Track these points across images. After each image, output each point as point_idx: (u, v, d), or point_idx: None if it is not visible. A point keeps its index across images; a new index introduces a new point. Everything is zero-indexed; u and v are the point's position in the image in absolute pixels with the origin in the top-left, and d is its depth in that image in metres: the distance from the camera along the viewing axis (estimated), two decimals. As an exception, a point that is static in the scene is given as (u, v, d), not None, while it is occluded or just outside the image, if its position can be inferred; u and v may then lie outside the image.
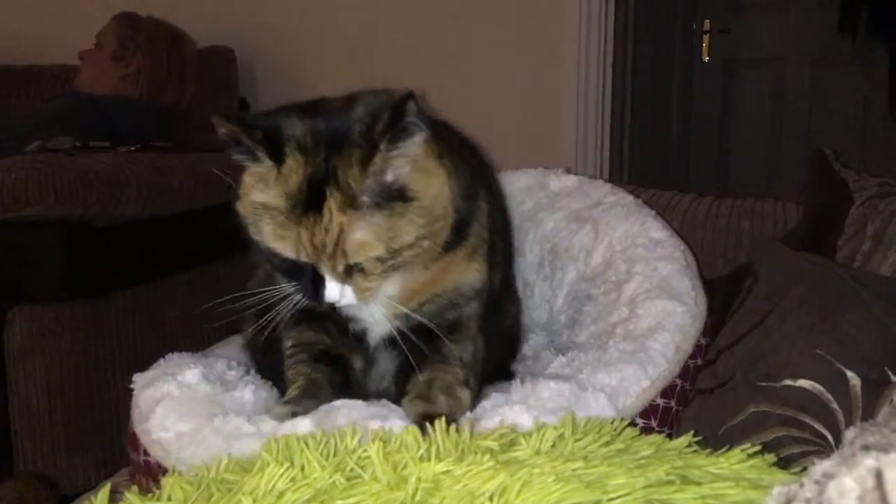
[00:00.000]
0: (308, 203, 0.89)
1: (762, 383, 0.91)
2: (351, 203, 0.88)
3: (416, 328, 1.02)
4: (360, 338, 1.07)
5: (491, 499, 0.64)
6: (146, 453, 0.94)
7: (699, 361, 1.06)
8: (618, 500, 0.61)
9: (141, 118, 2.69)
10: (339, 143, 0.89)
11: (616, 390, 0.93)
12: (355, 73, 2.82)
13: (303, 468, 0.68)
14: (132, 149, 2.49)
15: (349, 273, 0.92)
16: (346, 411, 0.90)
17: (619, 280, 1.14)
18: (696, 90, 4.57)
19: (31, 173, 2.03)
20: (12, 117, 2.71)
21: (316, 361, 1.06)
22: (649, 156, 3.84)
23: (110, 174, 2.21)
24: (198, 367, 1.01)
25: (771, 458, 0.68)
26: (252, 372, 1.11)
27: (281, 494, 0.64)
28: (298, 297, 0.96)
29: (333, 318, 1.06)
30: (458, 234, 1.00)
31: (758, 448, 0.68)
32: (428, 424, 0.75)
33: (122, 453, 2.23)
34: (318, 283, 0.92)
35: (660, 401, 0.97)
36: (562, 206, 1.32)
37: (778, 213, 1.55)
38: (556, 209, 1.32)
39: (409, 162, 0.91)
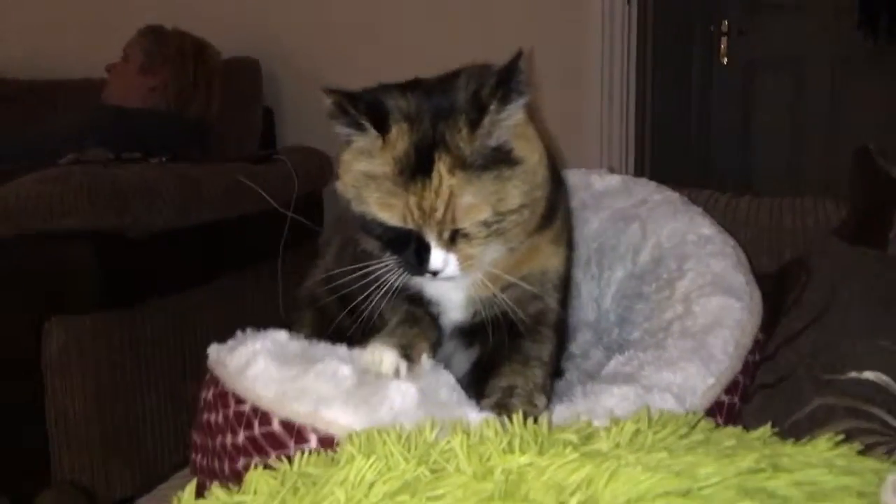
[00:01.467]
0: (416, 167, 0.90)
1: (827, 376, 0.91)
2: (460, 165, 0.89)
3: (496, 320, 1.02)
4: (434, 321, 1.07)
5: (578, 490, 0.64)
6: (238, 401, 0.93)
7: (757, 357, 1.05)
8: (709, 489, 0.61)
9: (170, 130, 2.71)
10: (445, 109, 0.91)
11: (682, 389, 0.93)
12: (380, 80, 2.84)
13: (387, 460, 0.68)
14: (163, 160, 2.51)
15: (453, 240, 0.93)
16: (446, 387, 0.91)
17: (672, 277, 1.14)
18: (716, 92, 4.57)
19: (68, 185, 2.05)
20: (45, 131, 2.74)
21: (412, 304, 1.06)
22: (670, 157, 3.83)
23: (143, 185, 2.23)
24: (283, 332, 1.02)
25: (857, 446, 0.68)
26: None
27: (371, 486, 0.64)
28: (399, 271, 0.96)
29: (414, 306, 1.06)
30: (547, 215, 1.01)
31: (842, 437, 0.68)
32: (506, 418, 0.75)
33: (158, 461, 2.25)
34: (422, 252, 0.93)
35: (724, 398, 0.97)
36: (607, 206, 1.32)
37: (819, 211, 1.54)
38: (602, 208, 1.32)
39: (514, 125, 0.93)
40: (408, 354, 0.97)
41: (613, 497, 0.62)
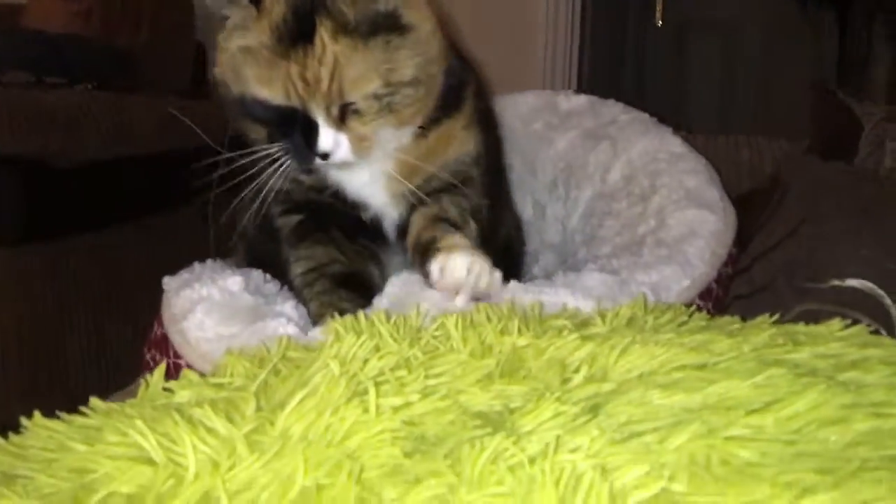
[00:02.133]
0: (296, 34, 0.82)
1: (808, 284, 0.90)
2: (344, 30, 0.82)
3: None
4: (375, 232, 1.01)
5: (582, 366, 0.60)
6: (176, 356, 0.87)
7: (730, 270, 1.04)
8: (726, 362, 0.58)
9: (95, 56, 2.54)
10: None
11: (657, 287, 0.90)
12: None
13: (378, 340, 0.63)
14: (89, 87, 2.35)
15: (343, 118, 0.85)
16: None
17: (644, 194, 1.12)
18: (650, 54, 4.59)
19: (-17, 106, 1.90)
20: (-43, 53, 2.54)
21: (337, 287, 0.99)
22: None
23: (70, 110, 2.08)
24: (238, 276, 0.94)
25: (870, 326, 0.66)
26: (286, 288, 1.03)
27: (365, 362, 0.59)
28: (288, 159, 0.88)
29: (340, 217, 0.99)
30: (453, 99, 0.95)
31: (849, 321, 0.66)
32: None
33: (82, 400, 2.14)
34: (309, 134, 0.85)
35: (699, 302, 0.95)
36: (574, 126, 1.28)
37: (775, 148, 1.55)
38: (569, 128, 1.28)
39: None
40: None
41: (625, 371, 0.59)
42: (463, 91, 0.97)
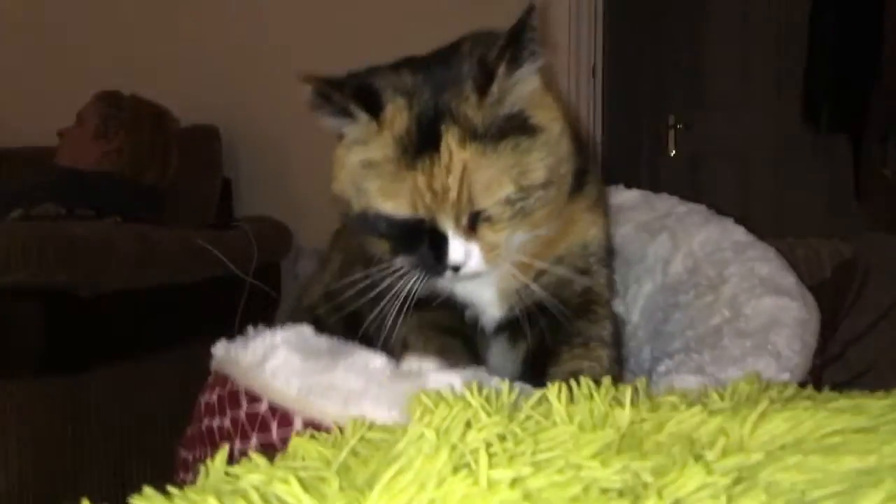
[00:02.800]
0: (421, 144, 0.78)
1: (915, 363, 0.82)
2: (471, 136, 0.78)
3: (540, 308, 0.90)
4: (472, 328, 0.94)
5: (713, 441, 0.52)
6: (253, 400, 0.78)
7: (819, 361, 0.96)
8: (890, 424, 0.49)
9: (125, 192, 2.58)
10: (447, 79, 0.80)
11: (757, 381, 0.82)
12: None
13: (473, 414, 0.55)
14: (117, 219, 2.36)
15: (473, 227, 0.80)
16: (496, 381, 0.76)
17: (712, 283, 1.05)
18: (664, 183, 4.63)
19: (14, 238, 1.89)
20: (-8, 187, 2.58)
21: (444, 335, 0.92)
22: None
23: (97, 241, 2.07)
24: (307, 326, 0.87)
25: None
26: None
27: (464, 434, 0.51)
28: (415, 274, 0.83)
29: (444, 314, 0.93)
30: (577, 182, 0.90)
31: None
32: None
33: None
34: (438, 245, 0.80)
35: (798, 394, 0.87)
36: (628, 219, 1.24)
37: (828, 246, 1.49)
38: (622, 222, 1.24)
39: (530, 92, 0.82)
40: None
41: (767, 442, 0.50)
42: (585, 172, 0.93)
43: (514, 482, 0.46)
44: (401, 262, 0.85)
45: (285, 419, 0.76)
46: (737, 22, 4.17)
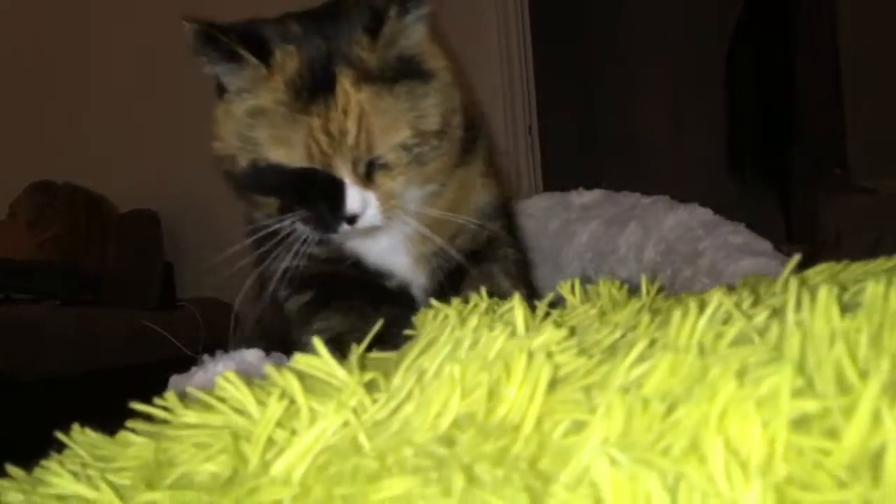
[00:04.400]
0: (315, 87, 0.75)
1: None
2: (366, 77, 0.76)
3: (453, 271, 0.87)
4: (403, 299, 0.90)
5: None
6: None
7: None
8: None
9: (62, 278, 2.49)
10: (335, 27, 0.78)
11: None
12: None
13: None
14: (56, 303, 2.27)
15: (370, 175, 0.77)
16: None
17: (689, 259, 1.05)
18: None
19: (-53, 322, 1.79)
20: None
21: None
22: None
23: (34, 322, 1.99)
24: (257, 350, 0.82)
25: None
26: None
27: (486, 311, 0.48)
28: (308, 230, 0.79)
29: (360, 288, 0.89)
30: (467, 145, 0.88)
31: None
32: None
33: None
34: (334, 196, 0.76)
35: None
36: (594, 216, 1.23)
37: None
38: (589, 219, 1.23)
39: (419, 37, 0.80)
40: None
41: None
42: (476, 137, 0.91)
43: (556, 325, 0.43)
44: (289, 222, 0.80)
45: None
46: (659, 77, 4.34)
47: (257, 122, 0.77)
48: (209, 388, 0.73)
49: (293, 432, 0.39)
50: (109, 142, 2.93)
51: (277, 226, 0.81)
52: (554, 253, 1.23)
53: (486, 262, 0.92)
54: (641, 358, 0.35)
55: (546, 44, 2.98)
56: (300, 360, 0.42)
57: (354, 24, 0.78)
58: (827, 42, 3.60)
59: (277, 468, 0.36)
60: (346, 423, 0.38)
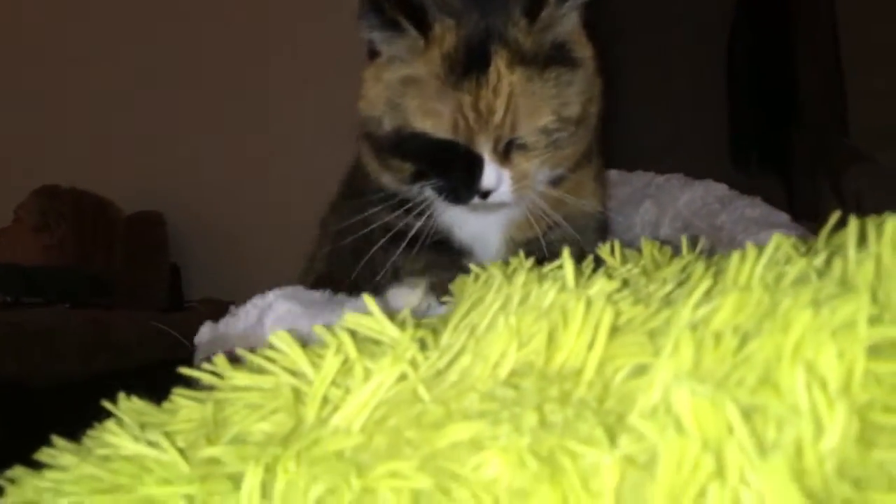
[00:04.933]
0: (470, 63, 0.76)
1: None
2: (520, 59, 0.77)
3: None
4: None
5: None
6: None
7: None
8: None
9: (71, 283, 2.49)
10: (494, 5, 0.79)
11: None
12: (285, 233, 2.72)
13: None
14: (66, 306, 2.27)
15: (507, 155, 0.79)
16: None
17: (706, 233, 1.04)
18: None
19: (-44, 328, 1.79)
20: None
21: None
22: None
23: (47, 326, 1.98)
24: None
25: None
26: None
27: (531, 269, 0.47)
28: (442, 196, 0.81)
29: (443, 258, 0.90)
30: (587, 155, 0.90)
31: None
32: None
33: None
34: (471, 169, 0.78)
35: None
36: (608, 196, 1.23)
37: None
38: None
39: (572, 25, 0.81)
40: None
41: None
42: (592, 150, 0.92)
43: (609, 278, 0.42)
44: (418, 189, 0.82)
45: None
46: (656, 74, 4.34)
47: (409, 91, 0.79)
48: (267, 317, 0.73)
49: (348, 390, 0.39)
50: (113, 145, 2.93)
51: (415, 194, 0.84)
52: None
53: None
54: (703, 300, 0.35)
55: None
56: (350, 318, 0.42)
57: (513, 5, 0.79)
58: (826, 25, 3.59)
59: (336, 422, 0.36)
60: (402, 377, 0.38)
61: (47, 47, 2.98)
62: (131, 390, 1.68)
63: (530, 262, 0.49)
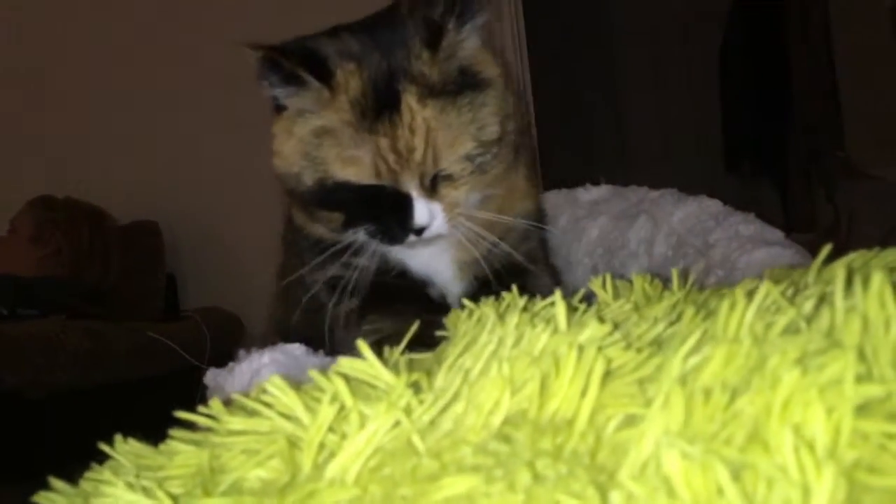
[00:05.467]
0: (379, 106, 0.76)
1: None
2: (430, 93, 0.76)
3: (496, 277, 0.87)
4: (443, 306, 0.91)
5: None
6: None
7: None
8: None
9: (67, 294, 2.49)
10: (392, 40, 0.79)
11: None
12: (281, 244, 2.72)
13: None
14: (63, 317, 2.26)
15: (435, 188, 0.79)
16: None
17: (700, 251, 1.05)
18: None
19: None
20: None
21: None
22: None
23: (44, 338, 1.98)
24: (298, 344, 0.83)
25: None
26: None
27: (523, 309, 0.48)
28: (371, 245, 0.81)
29: (403, 294, 0.90)
30: (515, 149, 0.89)
31: None
32: None
33: None
34: (401, 209, 0.78)
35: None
36: (602, 212, 1.24)
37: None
38: (598, 215, 1.23)
39: (475, 46, 0.81)
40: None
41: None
42: (518, 148, 0.91)
43: (601, 322, 0.43)
44: (352, 234, 0.83)
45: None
46: (650, 79, 4.36)
47: (323, 142, 0.78)
48: (255, 381, 0.74)
49: (343, 436, 0.39)
50: (108, 154, 2.92)
51: (349, 240, 0.84)
52: (564, 250, 1.23)
53: (522, 279, 0.91)
54: (693, 350, 0.35)
55: (537, 45, 2.98)
56: (345, 363, 0.42)
57: (412, 36, 0.79)
58: (820, 30, 3.61)
59: (331, 471, 0.36)
60: (397, 424, 0.38)
61: (43, 56, 2.98)
62: (128, 401, 1.68)
63: (523, 300, 0.50)
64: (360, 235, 0.83)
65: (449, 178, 0.79)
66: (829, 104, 3.51)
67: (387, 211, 0.79)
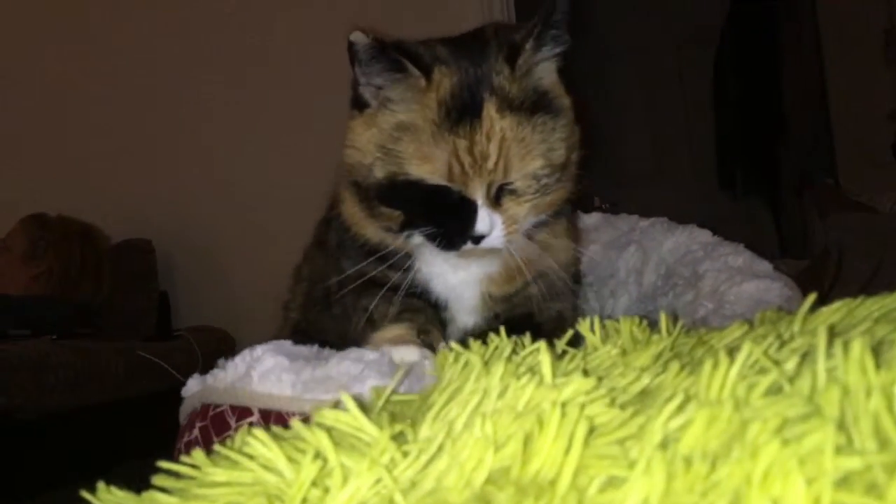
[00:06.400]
0: (463, 110, 0.78)
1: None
2: (509, 106, 0.79)
3: (512, 324, 0.88)
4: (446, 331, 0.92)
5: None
6: (241, 414, 0.73)
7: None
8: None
9: (58, 311, 2.48)
10: (478, 54, 0.82)
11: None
12: (275, 260, 2.70)
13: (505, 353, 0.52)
14: (53, 337, 2.25)
15: (499, 200, 0.81)
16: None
17: (690, 282, 1.05)
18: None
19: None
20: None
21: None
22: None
23: (33, 359, 1.97)
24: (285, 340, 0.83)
25: None
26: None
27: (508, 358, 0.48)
28: (435, 242, 0.82)
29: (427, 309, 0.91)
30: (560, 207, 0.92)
31: None
32: None
33: None
34: (465, 215, 0.79)
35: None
36: (593, 240, 1.24)
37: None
38: (588, 242, 1.24)
39: (550, 73, 0.84)
40: (429, 343, 0.84)
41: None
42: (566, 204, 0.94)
43: (585, 376, 0.43)
44: (404, 237, 0.84)
45: (280, 421, 0.71)
46: (643, 102, 4.38)
47: (403, 137, 0.81)
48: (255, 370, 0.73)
49: (326, 490, 0.39)
50: (102, 172, 2.92)
51: (397, 245, 0.86)
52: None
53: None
54: (676, 411, 0.35)
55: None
56: (328, 415, 0.42)
57: (495, 53, 0.82)
58: (812, 50, 3.63)
59: (313, 530, 0.36)
60: (378, 481, 0.38)
61: (36, 74, 2.99)
62: (117, 422, 1.67)
63: (509, 346, 0.50)
64: (414, 238, 0.84)
65: (514, 192, 0.82)
66: (820, 127, 3.54)
67: (449, 215, 0.81)
